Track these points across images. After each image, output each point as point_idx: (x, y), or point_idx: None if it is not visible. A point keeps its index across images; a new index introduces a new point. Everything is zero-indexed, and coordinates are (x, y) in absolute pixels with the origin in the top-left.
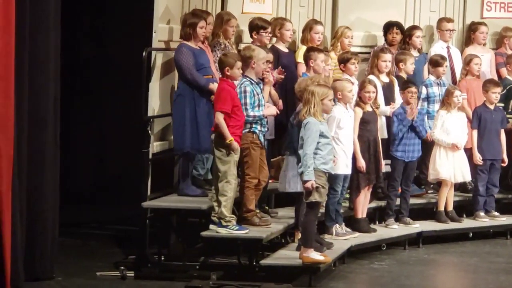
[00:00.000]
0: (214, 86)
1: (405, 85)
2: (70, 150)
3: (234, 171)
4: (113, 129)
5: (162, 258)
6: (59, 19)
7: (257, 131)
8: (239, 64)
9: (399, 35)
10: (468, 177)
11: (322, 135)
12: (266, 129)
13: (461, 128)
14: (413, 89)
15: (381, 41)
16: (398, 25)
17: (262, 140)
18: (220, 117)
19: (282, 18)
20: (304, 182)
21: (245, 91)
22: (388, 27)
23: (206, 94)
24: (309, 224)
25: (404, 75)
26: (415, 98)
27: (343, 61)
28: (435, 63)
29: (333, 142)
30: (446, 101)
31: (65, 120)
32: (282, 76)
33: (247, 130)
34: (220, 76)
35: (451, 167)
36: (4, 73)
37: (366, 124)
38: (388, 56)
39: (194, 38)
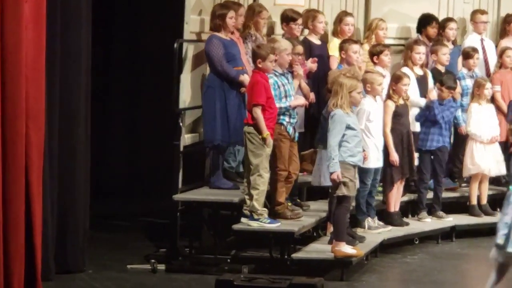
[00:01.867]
0: (244, 77)
1: (439, 80)
2: (102, 143)
3: (266, 164)
4: (145, 122)
5: (193, 251)
6: (90, 12)
7: (284, 123)
8: (272, 57)
9: (436, 29)
10: (503, 171)
11: (349, 127)
12: (295, 120)
13: (490, 120)
14: (444, 87)
15: (414, 33)
16: (436, 19)
17: (291, 131)
18: (258, 111)
19: (315, 10)
20: (330, 174)
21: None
22: (428, 20)
23: (236, 86)
24: (340, 217)
25: (440, 67)
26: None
27: (376, 53)
28: (466, 55)
29: (364, 135)
30: (476, 93)
31: (97, 113)
32: (315, 65)
33: (275, 122)
34: (252, 68)
35: (488, 160)
36: (35, 64)
37: (399, 117)
38: (422, 48)
39: (224, 29)
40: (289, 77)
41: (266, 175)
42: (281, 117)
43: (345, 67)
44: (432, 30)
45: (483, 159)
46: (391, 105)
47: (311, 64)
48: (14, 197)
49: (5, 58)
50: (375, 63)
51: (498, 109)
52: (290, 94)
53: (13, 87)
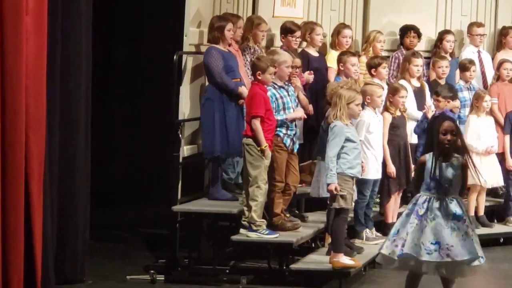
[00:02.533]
0: (243, 89)
1: (436, 92)
2: (102, 153)
3: (265, 176)
4: (144, 132)
5: (192, 262)
6: (90, 22)
7: (281, 134)
8: (271, 69)
9: (415, 39)
10: (501, 182)
11: (348, 139)
12: (293, 132)
13: (490, 133)
14: (441, 98)
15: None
16: (414, 28)
17: (288, 143)
18: (257, 123)
19: (312, 22)
20: (327, 185)
21: None
22: (406, 30)
23: (235, 98)
24: (338, 229)
25: (439, 80)
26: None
27: (374, 65)
28: (463, 67)
29: (363, 147)
30: (475, 105)
31: (97, 123)
32: (312, 77)
33: (273, 134)
34: (252, 79)
35: (485, 172)
36: (36, 73)
37: (396, 129)
38: (419, 61)
39: (223, 41)
40: (289, 89)
41: (265, 187)
42: (278, 128)
43: (343, 79)
44: (407, 40)
45: (480, 171)
46: (388, 117)
47: (308, 76)
48: (14, 206)
49: (5, 69)
50: (372, 75)
51: (495, 121)
52: (289, 106)
53: (13, 97)
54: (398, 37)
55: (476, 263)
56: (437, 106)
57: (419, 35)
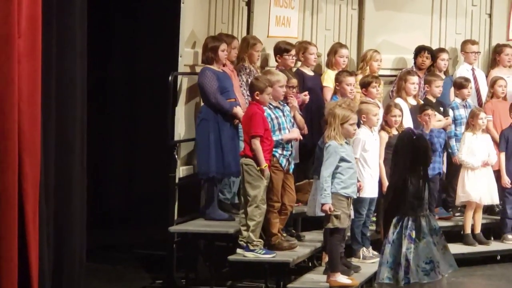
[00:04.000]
0: (238, 109)
1: (421, 108)
2: (98, 174)
3: (264, 196)
4: (140, 153)
5: (189, 283)
6: (85, 44)
7: (277, 155)
8: (269, 89)
9: (428, 60)
10: (496, 200)
11: (343, 159)
12: (289, 152)
13: (486, 150)
14: (429, 111)
15: (410, 64)
16: (428, 49)
17: (284, 163)
18: (257, 142)
19: (306, 41)
20: (321, 205)
21: None
22: (420, 50)
23: (230, 118)
24: (333, 248)
25: (431, 98)
26: (433, 121)
27: (364, 85)
28: (460, 85)
29: (359, 165)
30: (471, 123)
31: (93, 145)
32: (307, 97)
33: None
34: (248, 100)
35: (480, 189)
36: (31, 98)
37: (392, 148)
38: (415, 79)
39: (217, 62)
40: (285, 110)
41: (263, 207)
42: (274, 149)
43: (340, 99)
44: (420, 60)
45: (474, 188)
46: (384, 136)
47: (304, 97)
48: (7, 230)
49: None
50: (364, 94)
51: (491, 138)
52: (285, 127)
53: (4, 120)
54: (396, 56)
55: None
56: (427, 122)
57: (432, 55)
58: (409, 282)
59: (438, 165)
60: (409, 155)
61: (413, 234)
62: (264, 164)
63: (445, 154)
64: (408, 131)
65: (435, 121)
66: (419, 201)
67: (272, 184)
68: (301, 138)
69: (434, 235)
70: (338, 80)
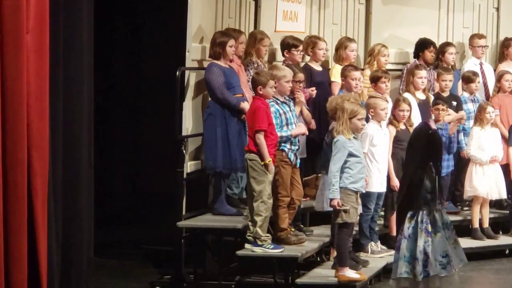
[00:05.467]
0: (245, 105)
1: (433, 102)
2: (105, 170)
3: (269, 190)
4: (147, 149)
5: (198, 278)
6: (92, 39)
7: (286, 149)
8: (271, 83)
9: (433, 54)
10: (504, 194)
11: (351, 154)
12: (296, 147)
13: (495, 144)
14: (441, 106)
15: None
16: (433, 44)
17: (292, 158)
18: (260, 137)
19: (315, 36)
20: (330, 200)
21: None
22: (426, 45)
23: (237, 113)
24: (342, 243)
25: (443, 93)
26: (444, 115)
27: (374, 79)
28: (467, 79)
29: (367, 159)
30: (478, 117)
31: (99, 140)
32: (314, 92)
33: (276, 148)
34: (253, 94)
35: (487, 184)
36: (39, 94)
37: (399, 142)
38: (423, 73)
39: (224, 57)
40: (291, 104)
41: (269, 201)
42: (283, 144)
43: (345, 93)
44: (429, 54)
45: (482, 182)
46: (392, 130)
47: (311, 92)
48: (17, 226)
49: (5, 88)
50: (374, 89)
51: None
52: (292, 122)
53: (13, 116)
54: (403, 50)
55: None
56: (436, 117)
57: (438, 50)
58: (429, 275)
59: (448, 163)
60: (425, 149)
61: (429, 228)
62: (268, 159)
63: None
64: (424, 126)
65: (446, 115)
66: (433, 195)
67: (282, 179)
68: (307, 132)
69: (446, 229)
70: (343, 74)
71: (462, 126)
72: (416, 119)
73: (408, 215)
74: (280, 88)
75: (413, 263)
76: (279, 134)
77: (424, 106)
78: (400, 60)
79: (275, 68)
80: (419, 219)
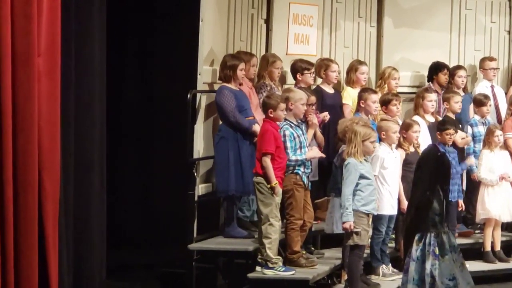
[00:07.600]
0: (257, 127)
1: (442, 126)
2: (116, 193)
3: (277, 213)
4: (158, 171)
5: None
6: (104, 63)
7: (300, 173)
8: (282, 106)
9: (447, 76)
10: None
11: (362, 177)
12: (309, 170)
13: (504, 166)
14: (451, 131)
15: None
16: (447, 66)
17: (306, 181)
18: (267, 160)
19: (328, 59)
20: (342, 223)
21: (284, 135)
22: (439, 68)
23: (249, 136)
24: (353, 265)
25: (451, 114)
26: (452, 140)
27: (384, 102)
28: (479, 102)
29: (378, 182)
30: (487, 140)
31: (111, 163)
32: (328, 117)
33: (290, 171)
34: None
35: (499, 206)
36: (50, 117)
37: (409, 165)
38: (433, 96)
39: (234, 80)
40: (303, 127)
41: (277, 224)
42: (297, 167)
43: (362, 116)
44: (443, 77)
45: (494, 205)
46: (402, 153)
47: (325, 117)
48: (28, 247)
49: (17, 111)
50: (384, 112)
51: (511, 155)
52: (305, 145)
53: (24, 138)
54: (417, 73)
55: None
56: (446, 141)
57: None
58: None
59: (457, 188)
60: (434, 171)
61: (437, 251)
62: (274, 182)
63: (464, 172)
64: (433, 148)
65: (458, 138)
66: (440, 217)
67: (295, 202)
68: (324, 155)
69: (453, 252)
70: (362, 97)
71: (473, 149)
72: (426, 142)
73: (416, 237)
74: (295, 111)
75: (421, 286)
76: (293, 157)
77: (433, 129)
78: (414, 83)
79: (291, 91)
80: (427, 241)
